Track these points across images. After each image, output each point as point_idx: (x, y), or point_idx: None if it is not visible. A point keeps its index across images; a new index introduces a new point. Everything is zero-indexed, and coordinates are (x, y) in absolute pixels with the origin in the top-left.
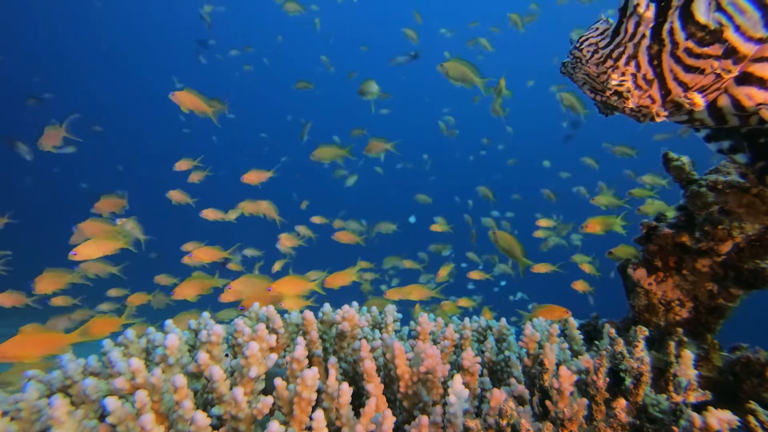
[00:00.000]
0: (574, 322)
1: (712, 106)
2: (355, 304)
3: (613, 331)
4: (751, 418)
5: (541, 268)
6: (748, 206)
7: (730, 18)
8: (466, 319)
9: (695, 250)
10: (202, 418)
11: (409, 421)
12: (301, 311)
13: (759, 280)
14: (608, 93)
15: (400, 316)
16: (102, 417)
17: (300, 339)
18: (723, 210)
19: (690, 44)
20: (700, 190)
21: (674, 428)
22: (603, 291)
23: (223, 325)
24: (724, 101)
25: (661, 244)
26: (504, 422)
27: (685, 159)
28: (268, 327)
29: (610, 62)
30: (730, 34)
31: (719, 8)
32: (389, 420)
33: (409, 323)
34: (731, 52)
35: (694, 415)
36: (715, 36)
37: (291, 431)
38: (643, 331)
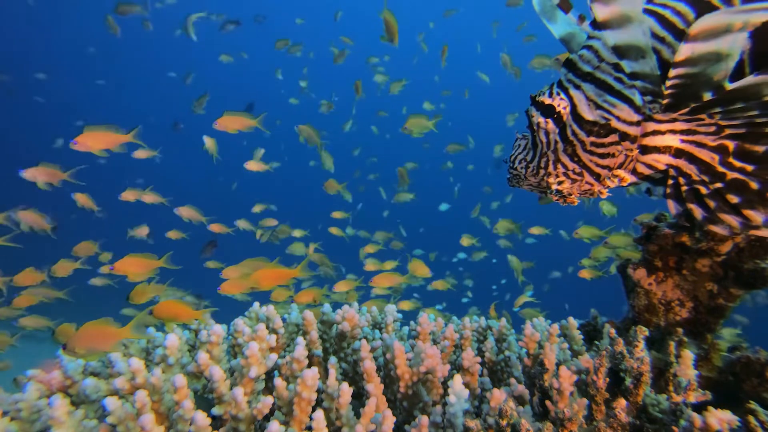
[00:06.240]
0: (574, 322)
1: (635, 173)
2: (355, 304)
3: (613, 331)
4: (751, 418)
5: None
6: None
7: (609, 113)
8: (466, 319)
9: (695, 250)
10: (202, 418)
11: (409, 421)
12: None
13: (759, 280)
14: (554, 197)
15: (400, 316)
16: (102, 417)
17: (300, 339)
18: None
19: (593, 138)
20: None
21: (674, 428)
22: (603, 291)
23: (222, 326)
24: (641, 168)
25: (661, 244)
26: (504, 422)
27: None
28: (268, 327)
29: (542, 171)
30: (616, 124)
31: (598, 107)
32: (389, 420)
33: (410, 323)
34: (624, 136)
35: (694, 415)
36: (607, 128)
37: (291, 431)
38: (643, 331)
